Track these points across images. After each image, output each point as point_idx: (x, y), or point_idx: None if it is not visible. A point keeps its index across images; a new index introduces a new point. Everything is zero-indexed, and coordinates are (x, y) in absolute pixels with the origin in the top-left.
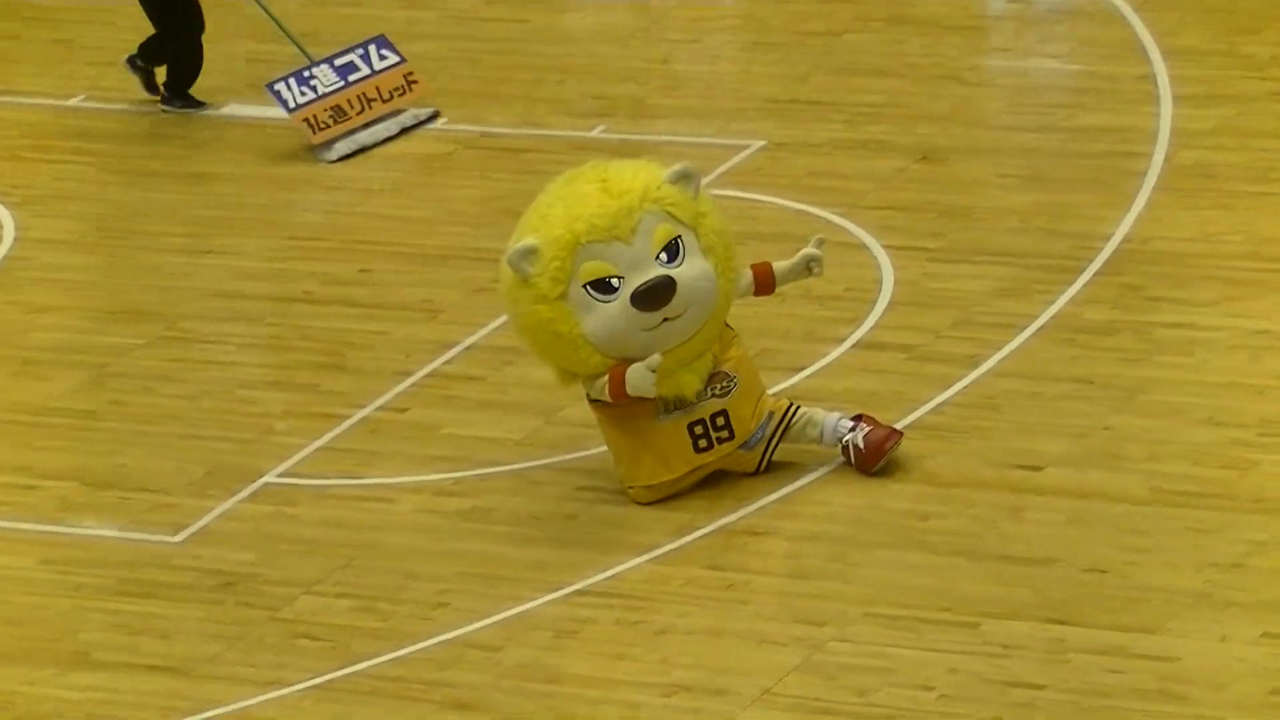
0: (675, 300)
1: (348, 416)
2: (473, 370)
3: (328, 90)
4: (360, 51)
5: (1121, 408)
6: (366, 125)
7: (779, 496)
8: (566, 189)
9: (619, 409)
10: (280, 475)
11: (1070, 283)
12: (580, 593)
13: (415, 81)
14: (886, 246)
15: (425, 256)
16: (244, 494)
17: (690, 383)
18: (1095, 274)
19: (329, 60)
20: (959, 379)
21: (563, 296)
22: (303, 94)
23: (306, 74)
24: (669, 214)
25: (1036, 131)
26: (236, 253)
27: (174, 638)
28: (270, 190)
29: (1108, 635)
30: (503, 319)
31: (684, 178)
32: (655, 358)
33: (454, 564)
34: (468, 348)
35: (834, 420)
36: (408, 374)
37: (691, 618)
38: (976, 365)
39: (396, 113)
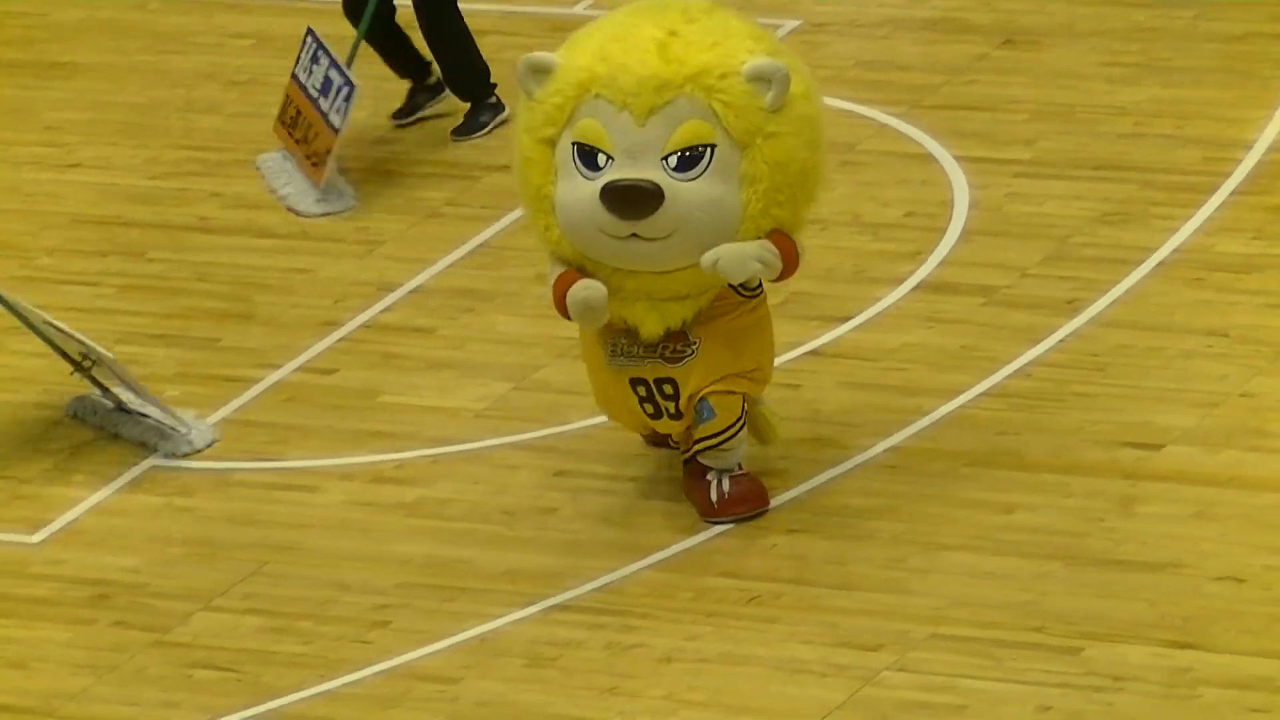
0: (656, 218)
1: (258, 380)
2: (420, 320)
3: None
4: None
5: (1265, 369)
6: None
7: (818, 483)
8: (632, 17)
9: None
10: (169, 456)
11: (1200, 205)
12: (561, 608)
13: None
14: (959, 158)
15: (359, 171)
16: (122, 481)
17: (647, 322)
18: (1233, 194)
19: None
20: (1053, 331)
21: (550, 141)
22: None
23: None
24: (714, 111)
25: (1155, 7)
26: (111, 166)
27: (31, 668)
28: (155, 85)
29: (1247, 663)
30: (460, 252)
31: (762, 79)
32: (599, 289)
33: (396, 572)
34: (414, 291)
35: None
36: (336, 325)
37: (704, 641)
38: (1077, 313)
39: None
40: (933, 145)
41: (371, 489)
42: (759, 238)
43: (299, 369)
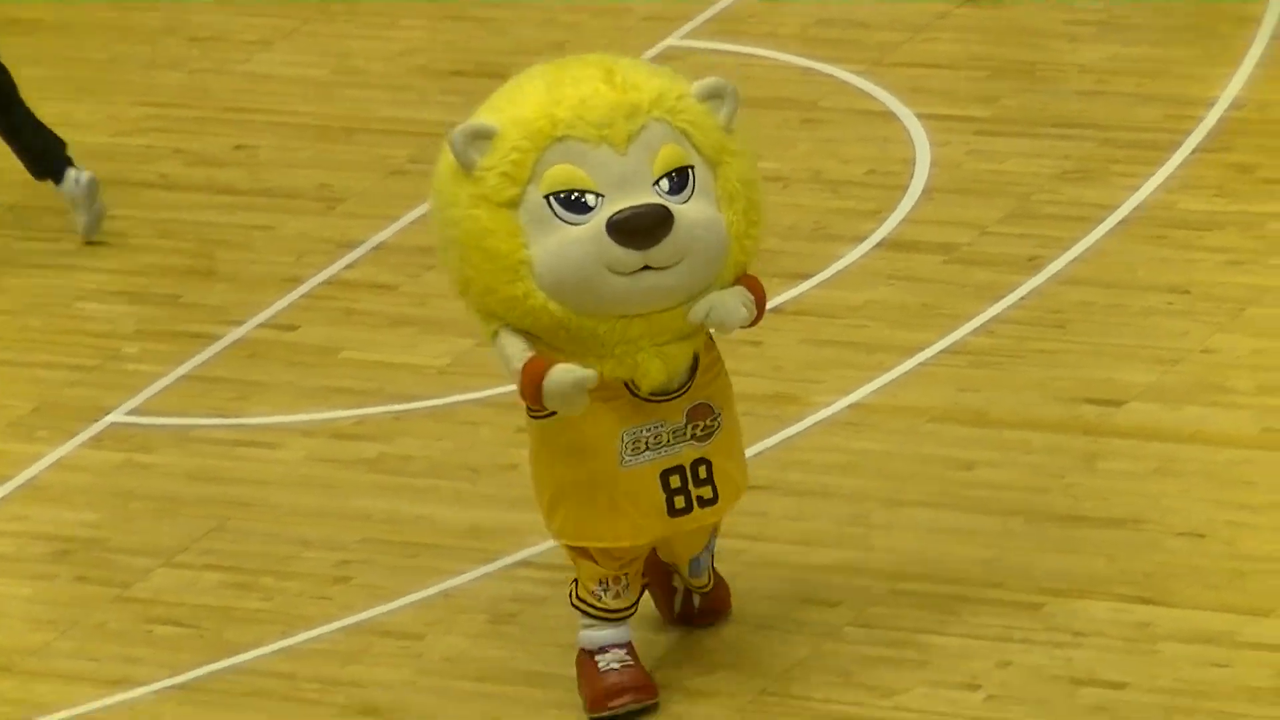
0: (667, 244)
1: (219, 337)
2: (382, 277)
3: None
4: None
5: (1226, 325)
6: None
7: (781, 439)
8: (556, 70)
9: (557, 430)
10: (131, 413)
11: (1161, 162)
12: (524, 565)
13: None
14: (921, 116)
15: (321, 129)
16: (83, 437)
17: (652, 370)
18: (1194, 151)
19: None
20: (1014, 288)
21: (512, 203)
22: None
23: None
24: (685, 133)
25: None
26: (72, 123)
27: None
28: (117, 42)
29: (1207, 618)
30: (420, 211)
31: (716, 96)
32: (583, 370)
33: (358, 528)
34: (376, 248)
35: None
36: (297, 281)
37: None
38: (1038, 270)
39: None
40: (894, 103)
41: (333, 445)
42: (734, 277)
43: (260, 325)
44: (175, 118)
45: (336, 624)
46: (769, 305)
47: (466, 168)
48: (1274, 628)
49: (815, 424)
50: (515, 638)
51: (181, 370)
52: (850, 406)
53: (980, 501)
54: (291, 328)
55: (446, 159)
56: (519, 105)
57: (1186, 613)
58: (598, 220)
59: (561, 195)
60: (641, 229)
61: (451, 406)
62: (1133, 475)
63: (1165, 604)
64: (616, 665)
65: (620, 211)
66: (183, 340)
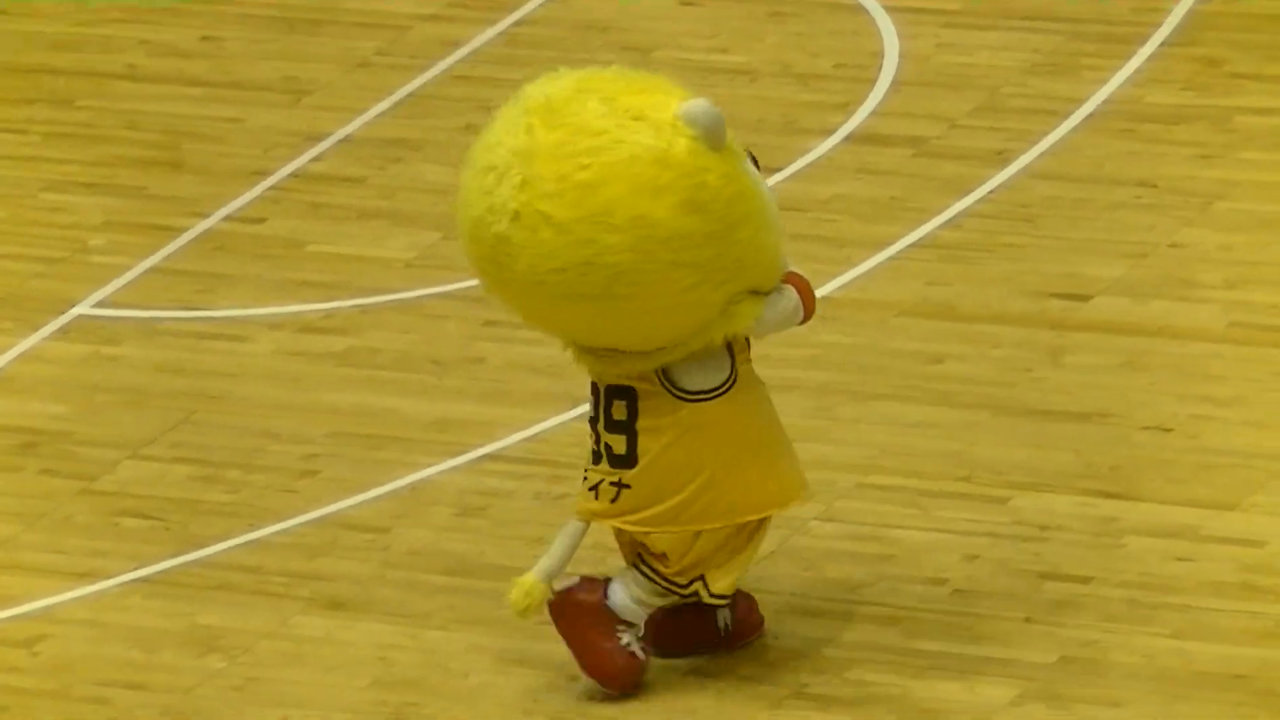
0: None
1: (186, 229)
2: (350, 169)
3: None
4: None
5: (1194, 219)
6: None
7: None
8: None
9: (747, 403)
10: (97, 305)
11: (1129, 56)
12: (491, 458)
13: None
14: (889, 8)
15: (289, 20)
16: (49, 329)
17: (750, 313)
18: (1162, 45)
19: None
20: (983, 182)
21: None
22: None
23: None
24: None
25: None
26: (34, 13)
27: None
28: None
29: (1172, 512)
30: (390, 102)
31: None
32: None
33: (325, 421)
34: (343, 140)
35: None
36: (264, 174)
37: None
38: (1006, 164)
39: None
40: None
41: (300, 338)
42: None
43: (227, 218)
44: (141, 8)
45: (303, 517)
46: None
47: (722, 138)
48: (1239, 522)
49: None
50: (483, 531)
51: (148, 262)
52: (818, 300)
53: (947, 395)
54: (258, 220)
55: (679, 145)
56: (663, 86)
57: (1152, 507)
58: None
59: (750, 154)
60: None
61: (419, 300)
62: (1100, 369)
63: (1131, 498)
64: (636, 649)
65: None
66: (149, 232)
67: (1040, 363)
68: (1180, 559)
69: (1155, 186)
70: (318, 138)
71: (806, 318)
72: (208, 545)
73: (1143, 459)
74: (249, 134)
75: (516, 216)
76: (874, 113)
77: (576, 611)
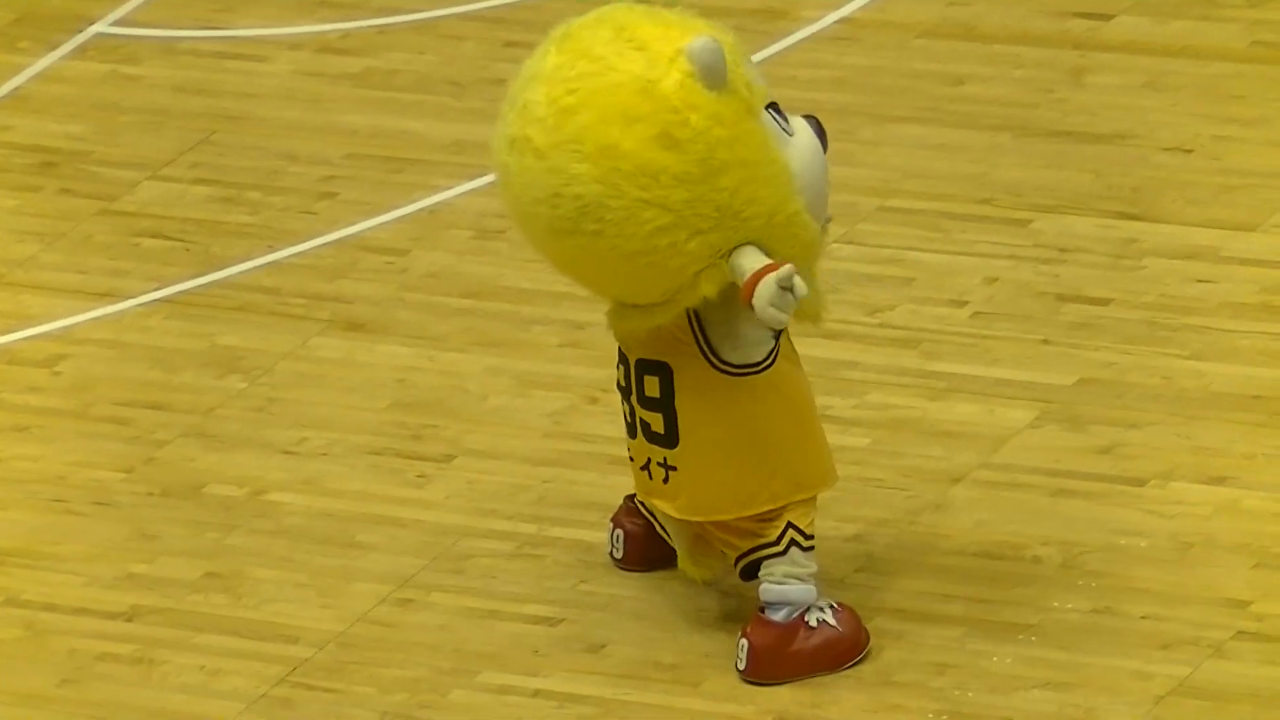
0: None
1: None
2: None
3: None
4: None
5: None
6: None
7: (770, 54)
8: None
9: (794, 378)
10: (116, 24)
11: None
12: None
13: None
14: None
15: None
16: (68, 48)
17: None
18: None
19: None
20: None
21: (757, 113)
22: None
23: None
24: None
25: None
26: None
27: None
28: None
29: (1192, 233)
30: None
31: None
32: (789, 267)
33: (344, 142)
34: None
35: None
36: None
37: None
38: None
39: None
40: None
41: (319, 59)
42: None
43: None
44: None
45: (322, 239)
46: None
47: (721, 80)
48: (1259, 242)
49: (804, 39)
50: (501, 253)
51: None
52: (839, 21)
53: (968, 117)
54: None
55: (670, 79)
56: (690, 25)
57: (1172, 228)
58: (805, 132)
59: (772, 106)
60: (822, 128)
61: (436, 20)
62: (1121, 89)
63: (1151, 219)
64: (830, 617)
65: (808, 118)
66: None
67: (1061, 83)
68: (1200, 280)
69: None
70: None
71: (743, 300)
72: (228, 266)
73: (1163, 180)
74: None
75: (512, 143)
76: None
77: (777, 653)
